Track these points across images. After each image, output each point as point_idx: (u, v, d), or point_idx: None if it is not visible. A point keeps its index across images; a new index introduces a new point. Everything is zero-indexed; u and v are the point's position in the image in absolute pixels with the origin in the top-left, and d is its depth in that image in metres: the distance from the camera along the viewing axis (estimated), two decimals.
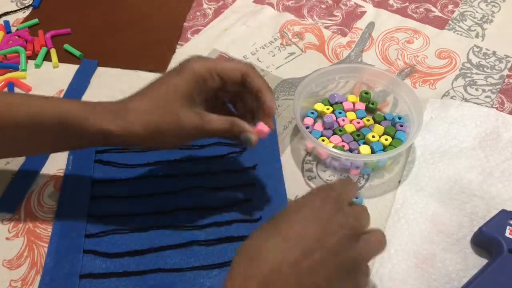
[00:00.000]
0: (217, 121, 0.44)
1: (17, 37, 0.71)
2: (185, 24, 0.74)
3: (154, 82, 0.45)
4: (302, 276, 0.34)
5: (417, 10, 0.76)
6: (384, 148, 0.55)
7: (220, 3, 0.78)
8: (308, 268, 0.34)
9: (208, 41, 0.71)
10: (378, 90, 0.61)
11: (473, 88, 0.64)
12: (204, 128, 0.44)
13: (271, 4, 0.78)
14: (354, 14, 0.76)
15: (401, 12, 0.76)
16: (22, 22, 0.74)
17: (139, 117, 0.43)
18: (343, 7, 0.77)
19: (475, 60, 0.68)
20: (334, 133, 0.57)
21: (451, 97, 0.63)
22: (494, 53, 0.69)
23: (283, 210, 0.38)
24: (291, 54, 0.69)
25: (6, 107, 0.44)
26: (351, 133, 0.57)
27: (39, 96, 0.46)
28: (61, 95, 0.63)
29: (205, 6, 0.78)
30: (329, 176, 0.55)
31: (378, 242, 0.39)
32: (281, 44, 0.71)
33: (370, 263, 0.47)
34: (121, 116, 0.43)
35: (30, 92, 0.63)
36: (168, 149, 0.52)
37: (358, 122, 0.58)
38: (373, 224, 0.50)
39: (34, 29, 0.72)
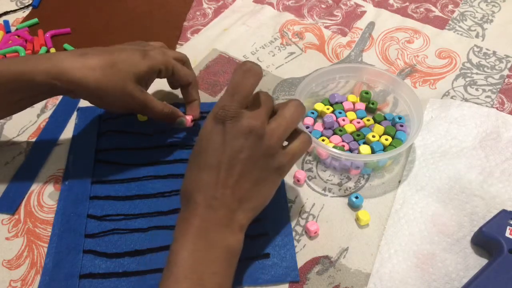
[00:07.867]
0: (160, 104, 0.52)
1: (16, 36, 0.71)
2: (185, 23, 0.74)
3: (117, 48, 0.50)
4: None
5: (417, 10, 0.76)
6: (384, 148, 0.55)
7: (220, 3, 0.78)
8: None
9: (208, 41, 0.71)
10: (378, 90, 0.61)
11: (473, 88, 0.64)
12: (146, 105, 0.51)
13: (271, 4, 0.78)
14: (354, 14, 0.76)
15: (401, 12, 0.76)
16: (22, 22, 0.74)
17: (91, 73, 0.47)
18: (343, 6, 0.77)
19: (475, 60, 0.68)
20: (334, 133, 0.57)
21: (451, 97, 0.63)
22: (494, 53, 0.69)
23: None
24: (291, 54, 0.69)
25: None
26: (351, 133, 0.57)
27: None
28: (60, 95, 0.63)
29: (205, 5, 0.78)
30: (329, 176, 0.55)
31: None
32: (281, 43, 0.71)
33: (370, 263, 0.47)
34: (75, 67, 0.47)
35: None
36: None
37: (358, 122, 0.58)
38: (373, 224, 0.50)
39: (34, 29, 0.72)
